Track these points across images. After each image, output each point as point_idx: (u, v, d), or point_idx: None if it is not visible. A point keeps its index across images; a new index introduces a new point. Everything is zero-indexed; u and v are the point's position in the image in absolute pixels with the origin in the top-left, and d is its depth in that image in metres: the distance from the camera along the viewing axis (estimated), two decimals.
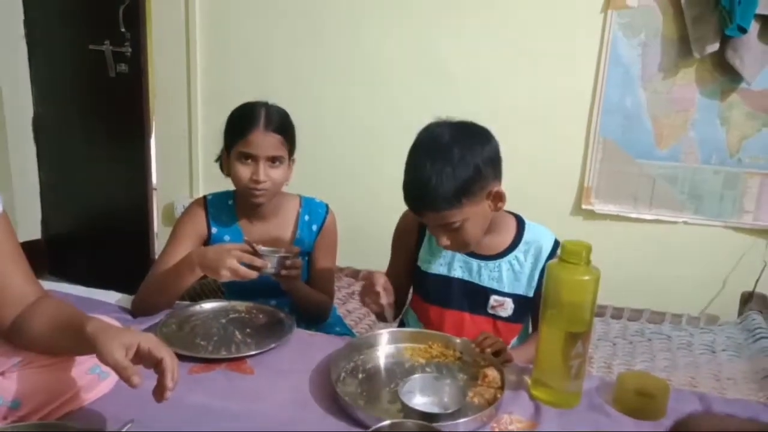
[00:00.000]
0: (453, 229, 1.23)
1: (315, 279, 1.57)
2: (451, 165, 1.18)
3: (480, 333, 1.24)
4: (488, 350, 1.20)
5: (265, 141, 1.42)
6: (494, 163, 1.24)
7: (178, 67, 2.61)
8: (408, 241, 1.43)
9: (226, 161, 1.50)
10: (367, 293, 1.26)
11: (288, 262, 1.38)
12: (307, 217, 1.57)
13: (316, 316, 1.56)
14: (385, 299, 1.24)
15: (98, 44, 2.66)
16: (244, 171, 1.43)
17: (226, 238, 1.53)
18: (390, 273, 1.45)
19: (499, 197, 1.26)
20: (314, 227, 1.57)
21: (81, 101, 2.88)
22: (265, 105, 1.47)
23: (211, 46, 2.58)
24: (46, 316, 1.00)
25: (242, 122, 1.44)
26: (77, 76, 2.84)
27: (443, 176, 1.17)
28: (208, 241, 1.53)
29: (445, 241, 1.26)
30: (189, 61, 2.59)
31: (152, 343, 0.92)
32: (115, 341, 0.89)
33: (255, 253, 1.33)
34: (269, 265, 1.34)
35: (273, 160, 1.44)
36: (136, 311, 1.42)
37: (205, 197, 1.58)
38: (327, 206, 1.61)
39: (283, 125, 1.46)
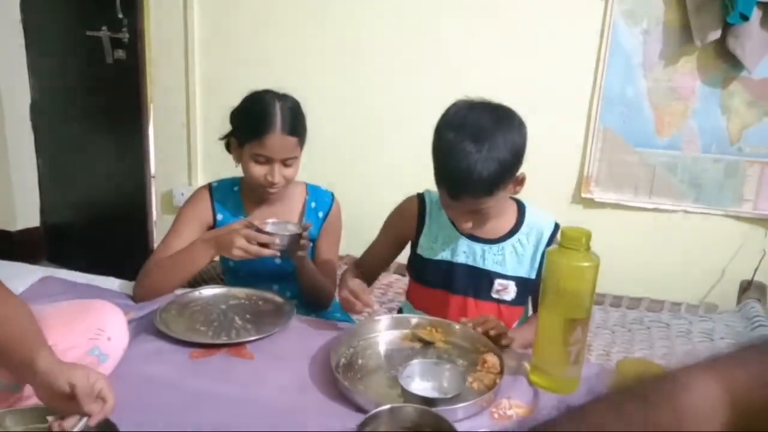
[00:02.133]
0: (480, 213, 1.23)
1: (318, 266, 1.57)
2: (496, 151, 1.16)
3: (479, 316, 1.25)
4: (492, 332, 1.20)
5: (280, 144, 1.41)
6: (525, 147, 1.24)
7: (176, 53, 2.59)
8: (405, 227, 1.43)
9: (236, 150, 1.49)
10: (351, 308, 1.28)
11: (303, 239, 1.39)
12: (313, 204, 1.58)
13: (318, 302, 1.56)
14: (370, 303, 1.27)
15: (95, 30, 2.63)
16: (259, 170, 1.44)
17: (234, 221, 1.52)
18: (372, 252, 1.48)
19: (521, 181, 1.27)
20: (320, 214, 1.59)
21: (79, 88, 2.87)
22: (280, 101, 1.44)
23: (210, 32, 2.56)
24: (2, 322, 0.94)
25: (258, 123, 1.42)
26: (75, 62, 2.82)
27: (489, 163, 1.15)
28: (213, 227, 1.53)
29: (468, 224, 1.26)
30: (187, 48, 2.57)
31: (105, 385, 0.90)
32: (78, 370, 0.89)
33: (260, 232, 1.35)
34: (277, 241, 1.35)
35: (287, 159, 1.45)
36: (140, 296, 1.42)
37: (210, 184, 1.58)
38: (332, 195, 1.61)
39: (297, 125, 1.46)
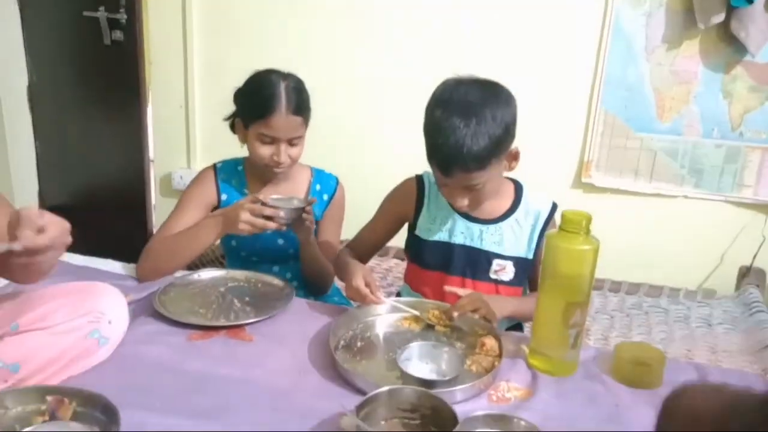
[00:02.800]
0: (474, 189, 1.23)
1: (320, 248, 1.57)
2: (485, 125, 1.16)
3: (463, 297, 1.25)
4: (476, 316, 1.21)
5: (286, 124, 1.42)
6: (515, 122, 1.24)
7: (174, 34, 2.57)
8: (404, 208, 1.42)
9: (241, 131, 1.50)
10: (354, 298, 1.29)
11: (308, 213, 1.40)
12: (318, 187, 1.59)
13: (318, 284, 1.57)
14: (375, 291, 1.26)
15: (93, 11, 2.60)
16: (265, 150, 1.45)
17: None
18: (367, 232, 1.48)
19: (515, 156, 1.28)
20: (325, 197, 1.60)
21: (76, 70, 2.84)
22: (285, 80, 1.44)
23: (209, 13, 2.53)
24: None
25: (262, 103, 1.42)
26: (72, 44, 2.79)
27: (478, 137, 1.16)
28: (217, 207, 1.54)
29: (463, 202, 1.25)
30: (185, 29, 2.55)
31: (52, 223, 0.91)
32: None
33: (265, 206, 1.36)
34: (281, 214, 1.36)
35: (293, 139, 1.45)
36: (143, 276, 1.43)
37: (214, 165, 1.59)
38: (337, 179, 1.63)
39: (302, 104, 1.46)
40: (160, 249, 1.45)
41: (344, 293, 1.37)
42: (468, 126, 1.16)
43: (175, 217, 1.50)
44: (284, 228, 1.39)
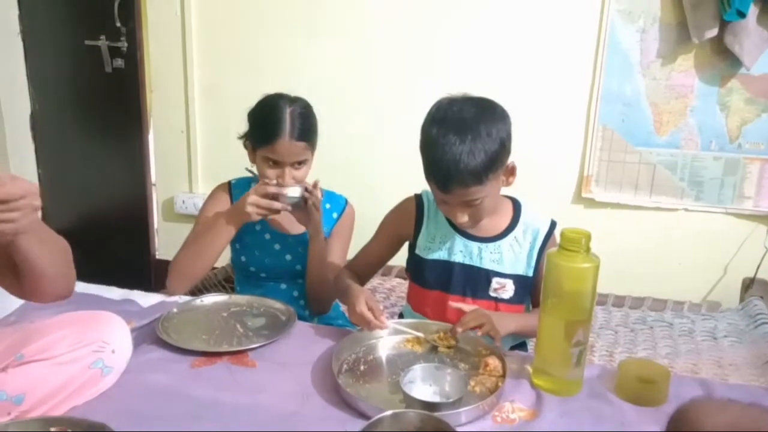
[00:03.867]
0: (473, 205, 1.24)
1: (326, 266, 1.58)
2: (480, 141, 1.18)
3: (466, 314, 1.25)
4: (479, 333, 1.21)
5: (290, 149, 1.47)
6: (510, 138, 1.26)
7: (174, 61, 2.60)
8: (403, 227, 1.43)
9: (251, 153, 1.55)
10: (359, 324, 1.27)
11: (313, 195, 1.46)
12: (328, 206, 1.63)
13: (321, 297, 1.57)
14: (380, 316, 1.24)
15: (94, 40, 2.65)
16: (271, 173, 1.50)
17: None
18: (367, 252, 1.48)
19: (512, 172, 1.29)
20: (334, 215, 1.64)
21: (78, 97, 2.88)
22: (291, 106, 1.48)
23: (208, 39, 2.57)
24: None
25: (268, 128, 1.47)
26: (74, 72, 2.83)
27: (474, 153, 1.17)
28: None
29: (463, 218, 1.26)
30: (185, 55, 2.58)
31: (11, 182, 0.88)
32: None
33: (268, 195, 1.44)
34: (285, 191, 1.44)
35: (298, 163, 1.49)
36: (175, 286, 1.51)
37: (229, 182, 1.65)
38: (347, 199, 1.67)
39: (307, 130, 1.49)
40: (185, 257, 1.52)
41: (348, 317, 1.38)
42: (464, 142, 1.18)
43: (194, 234, 1.57)
44: (289, 208, 1.46)
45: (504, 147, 1.22)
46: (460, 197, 1.23)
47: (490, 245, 1.35)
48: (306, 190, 1.47)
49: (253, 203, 1.43)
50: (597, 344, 1.77)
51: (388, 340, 1.27)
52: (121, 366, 1.12)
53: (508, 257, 1.35)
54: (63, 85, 2.89)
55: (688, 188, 2.20)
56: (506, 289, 1.36)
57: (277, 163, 1.48)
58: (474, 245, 1.36)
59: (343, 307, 1.68)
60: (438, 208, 1.34)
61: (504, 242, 1.36)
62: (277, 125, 1.45)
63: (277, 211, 1.47)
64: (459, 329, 1.22)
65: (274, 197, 1.45)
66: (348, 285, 1.35)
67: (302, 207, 1.48)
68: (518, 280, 1.36)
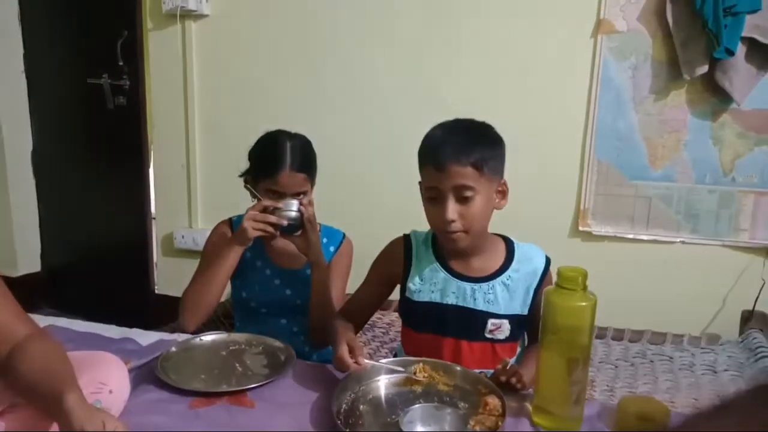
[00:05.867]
0: (465, 198, 1.24)
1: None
2: (478, 132, 1.28)
3: (501, 361, 1.23)
4: (518, 386, 1.20)
5: (291, 181, 1.52)
6: (503, 157, 1.30)
7: (175, 98, 2.64)
8: (392, 269, 1.41)
9: (252, 191, 1.59)
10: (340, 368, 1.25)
11: (307, 210, 1.50)
12: (325, 240, 1.65)
13: (323, 327, 1.57)
14: (358, 357, 1.22)
15: (96, 78, 2.70)
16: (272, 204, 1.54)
17: (248, 254, 1.63)
18: (358, 298, 1.47)
19: (504, 192, 1.32)
20: (331, 248, 1.66)
21: (80, 134, 2.91)
22: (291, 139, 1.55)
23: (208, 77, 2.61)
24: (33, 363, 0.98)
25: (269, 161, 1.53)
26: (76, 109, 2.87)
27: (471, 140, 1.25)
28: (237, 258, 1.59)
29: (454, 214, 1.24)
30: (186, 92, 2.62)
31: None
32: (94, 418, 0.89)
33: (266, 210, 1.49)
34: (280, 205, 1.49)
35: (298, 194, 1.54)
36: (188, 321, 1.53)
37: (230, 219, 1.68)
38: (344, 234, 1.71)
39: (307, 162, 1.56)
40: (194, 290, 1.55)
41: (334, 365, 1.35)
42: (459, 134, 1.27)
43: (200, 267, 1.60)
44: (285, 222, 1.49)
45: (500, 154, 1.28)
46: (454, 179, 1.22)
47: (484, 285, 1.33)
48: (301, 204, 1.51)
49: (250, 218, 1.48)
50: (597, 379, 1.76)
51: (387, 379, 1.27)
52: (119, 407, 1.11)
53: (503, 297, 1.33)
54: (65, 122, 2.93)
55: (684, 221, 2.22)
56: (502, 330, 1.33)
57: (278, 195, 1.52)
58: (467, 286, 1.33)
59: None
60: (427, 215, 1.31)
61: (497, 282, 1.33)
62: (278, 157, 1.51)
63: (275, 228, 1.49)
64: (503, 378, 1.20)
65: (271, 213, 1.49)
66: (334, 329, 1.32)
67: (299, 228, 1.51)
68: (514, 319, 1.34)
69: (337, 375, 1.30)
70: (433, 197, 1.28)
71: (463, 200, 1.24)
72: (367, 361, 1.23)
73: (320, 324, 1.54)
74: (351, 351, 1.22)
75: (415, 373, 1.24)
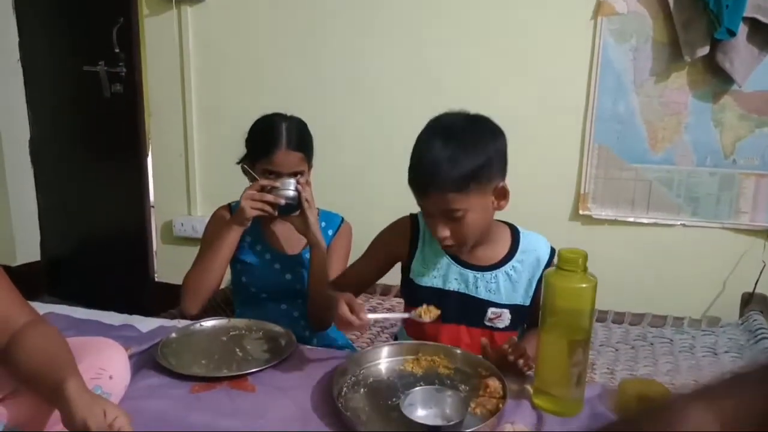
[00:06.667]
0: (454, 218, 1.19)
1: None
2: (463, 149, 1.16)
3: (509, 340, 1.23)
4: (521, 363, 1.20)
5: (287, 160, 1.53)
6: (503, 157, 1.24)
7: (172, 85, 2.62)
8: (397, 247, 1.38)
9: (249, 172, 1.59)
10: (345, 328, 1.23)
11: (304, 190, 1.51)
12: (323, 224, 1.65)
13: (322, 310, 1.56)
14: (359, 313, 1.19)
15: (93, 65, 2.67)
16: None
17: (248, 239, 1.64)
18: (355, 270, 1.44)
19: (503, 194, 1.24)
20: (330, 232, 1.67)
21: (77, 123, 2.90)
22: (286, 120, 1.56)
23: (205, 63, 2.59)
24: (32, 351, 0.98)
25: (265, 141, 1.53)
26: (73, 98, 2.86)
27: (456, 159, 1.15)
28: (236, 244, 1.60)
29: (444, 232, 1.21)
30: (183, 80, 2.60)
31: (125, 422, 0.90)
32: (95, 407, 0.88)
33: (263, 189, 1.50)
34: (277, 185, 1.50)
35: (295, 174, 1.54)
36: (189, 305, 1.54)
37: (229, 204, 1.68)
38: (343, 217, 1.71)
39: (303, 141, 1.56)
40: (194, 273, 1.56)
41: (337, 327, 1.32)
42: (447, 147, 1.16)
43: (201, 251, 1.61)
44: (282, 201, 1.50)
45: (490, 162, 1.19)
46: (438, 204, 1.19)
47: (486, 275, 1.32)
48: (298, 183, 1.52)
49: (248, 198, 1.49)
50: (598, 362, 1.77)
51: (387, 362, 1.27)
52: (120, 392, 1.12)
53: (505, 287, 1.32)
54: (62, 110, 2.91)
55: (685, 204, 2.21)
56: (502, 319, 1.32)
57: (275, 175, 1.53)
58: (470, 274, 1.32)
59: None
60: (425, 222, 1.31)
61: (500, 272, 1.32)
62: (274, 136, 1.52)
63: (273, 207, 1.50)
64: (509, 350, 1.20)
65: (268, 192, 1.50)
66: (329, 296, 1.30)
67: (297, 208, 1.52)
68: (515, 309, 1.32)
69: (337, 359, 1.30)
70: (424, 212, 1.27)
71: (453, 219, 1.20)
72: (369, 315, 1.20)
73: (319, 309, 1.53)
74: (351, 309, 1.18)
75: (420, 316, 1.24)
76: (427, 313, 1.24)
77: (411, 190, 1.24)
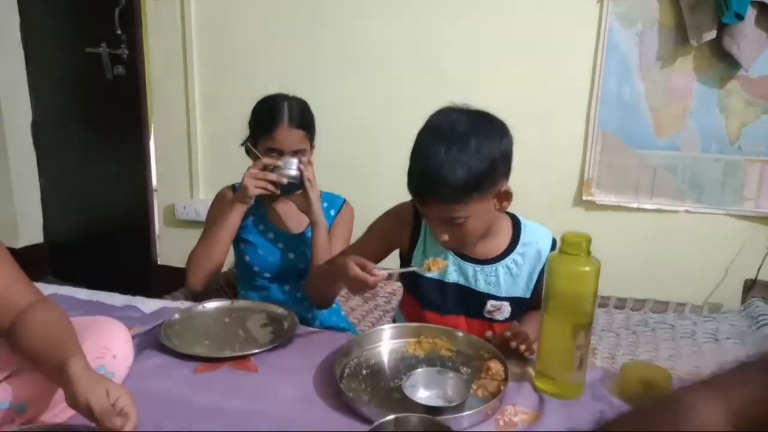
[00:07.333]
0: (455, 224, 1.16)
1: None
2: (466, 155, 1.10)
3: (510, 327, 1.23)
4: (522, 348, 1.19)
5: (289, 137, 1.54)
6: (507, 160, 1.18)
7: (175, 67, 2.61)
8: (398, 233, 1.34)
9: (253, 152, 1.60)
10: (360, 288, 1.20)
11: (306, 168, 1.53)
12: (326, 204, 1.66)
13: (324, 284, 1.56)
14: (372, 270, 1.16)
15: (94, 47, 2.66)
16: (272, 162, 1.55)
17: (251, 218, 1.65)
18: (357, 248, 1.39)
19: (506, 197, 1.20)
20: (332, 212, 1.68)
21: (79, 105, 2.89)
22: (287, 99, 1.57)
23: (208, 45, 2.58)
24: (36, 331, 0.98)
25: (267, 119, 1.55)
26: (74, 79, 2.84)
27: (456, 166, 1.09)
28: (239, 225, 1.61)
29: (444, 236, 1.19)
30: (186, 62, 2.59)
31: (127, 402, 0.90)
32: (98, 386, 0.89)
33: (266, 168, 1.52)
34: (279, 163, 1.52)
35: (297, 152, 1.55)
36: (194, 282, 1.57)
37: (233, 185, 1.68)
38: (345, 199, 1.72)
39: (304, 119, 1.57)
40: (199, 250, 1.58)
41: (348, 290, 1.29)
42: (448, 153, 1.09)
43: (205, 229, 1.62)
44: (284, 181, 1.51)
45: (494, 167, 1.13)
46: (438, 212, 1.16)
47: (486, 268, 1.28)
48: (300, 162, 1.53)
49: (250, 176, 1.51)
50: (599, 347, 1.77)
51: (390, 344, 1.27)
52: (123, 372, 1.12)
53: (506, 281, 1.29)
54: (64, 92, 2.90)
55: (689, 190, 2.20)
56: (502, 311, 1.30)
57: (278, 153, 1.54)
58: (469, 267, 1.29)
59: (344, 308, 1.68)
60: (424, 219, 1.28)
61: (501, 265, 1.28)
62: (275, 114, 1.53)
63: (275, 186, 1.52)
64: (513, 344, 1.18)
65: (271, 171, 1.51)
66: (332, 264, 1.29)
67: (299, 186, 1.54)
68: (514, 302, 1.30)
69: (339, 341, 1.30)
70: (423, 215, 1.25)
71: (453, 225, 1.17)
72: (382, 271, 1.18)
73: (320, 286, 1.50)
74: (363, 268, 1.15)
75: (429, 268, 1.23)
76: (435, 265, 1.23)
77: (410, 195, 1.20)
